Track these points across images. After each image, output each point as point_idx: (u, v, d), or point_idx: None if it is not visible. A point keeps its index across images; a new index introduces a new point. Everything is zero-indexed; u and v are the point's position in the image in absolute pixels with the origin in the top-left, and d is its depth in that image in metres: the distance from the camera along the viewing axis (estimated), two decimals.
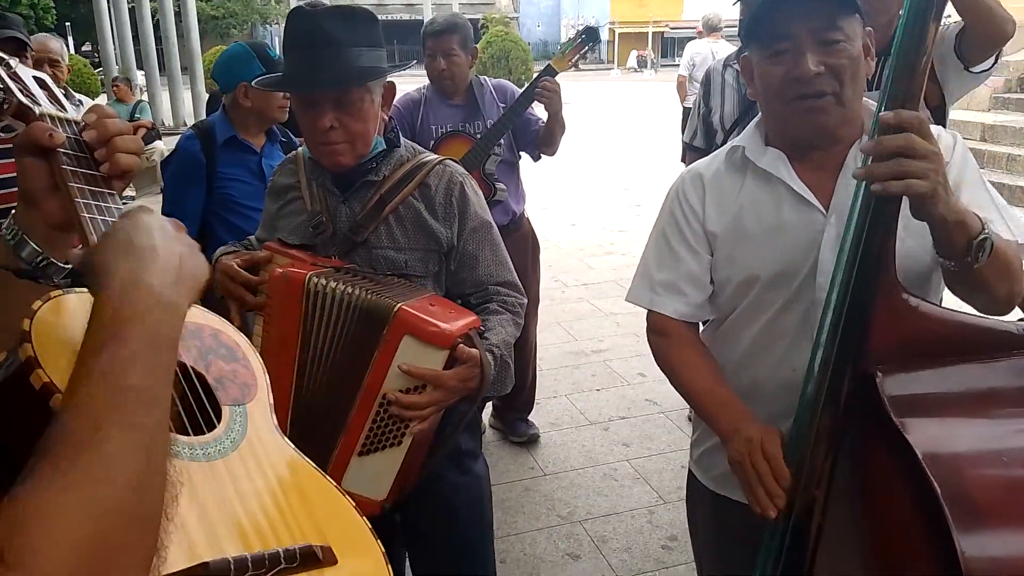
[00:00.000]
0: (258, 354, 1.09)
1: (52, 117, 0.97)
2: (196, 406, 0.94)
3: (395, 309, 1.47)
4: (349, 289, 1.51)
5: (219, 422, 0.95)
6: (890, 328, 1.10)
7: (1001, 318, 1.11)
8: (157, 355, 0.71)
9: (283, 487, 0.95)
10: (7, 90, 0.99)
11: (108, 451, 0.62)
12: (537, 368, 3.81)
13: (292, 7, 1.87)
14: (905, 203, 1.13)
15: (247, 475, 0.92)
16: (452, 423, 1.63)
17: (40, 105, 0.99)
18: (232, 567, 0.80)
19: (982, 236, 1.11)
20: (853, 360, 1.11)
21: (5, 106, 0.97)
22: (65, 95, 1.10)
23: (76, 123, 1.00)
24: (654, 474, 3.33)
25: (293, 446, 1.02)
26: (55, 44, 3.92)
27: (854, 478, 1.12)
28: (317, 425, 1.55)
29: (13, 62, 1.03)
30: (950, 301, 1.28)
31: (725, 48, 7.42)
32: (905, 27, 1.09)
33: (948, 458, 0.97)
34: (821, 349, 1.15)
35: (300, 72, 1.61)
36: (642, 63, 46.56)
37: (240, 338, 1.09)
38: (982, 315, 1.12)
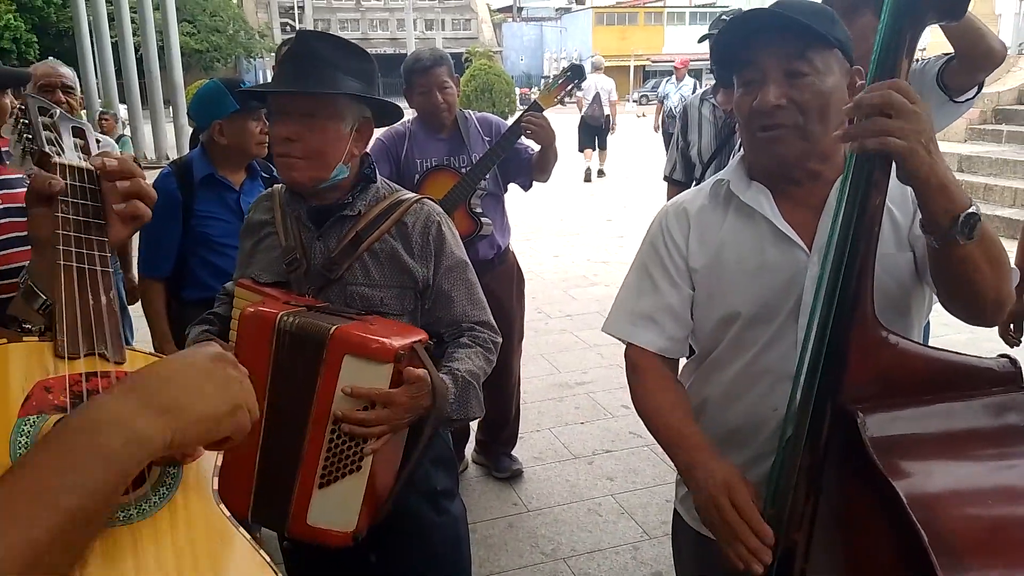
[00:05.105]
0: None
1: (63, 166, 0.99)
2: None
3: (331, 331, 1.45)
4: (299, 322, 1.49)
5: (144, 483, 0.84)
6: (868, 364, 1.08)
7: (980, 356, 1.10)
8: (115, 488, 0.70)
9: (196, 558, 0.82)
10: (33, 139, 1.03)
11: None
12: (521, 401, 3.78)
13: (280, 41, 1.90)
14: (882, 237, 1.13)
15: (156, 543, 0.80)
16: (416, 445, 1.59)
17: (63, 154, 1.02)
18: None
19: (969, 212, 1.08)
20: (832, 398, 1.09)
21: (31, 155, 1.02)
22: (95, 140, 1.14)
23: (88, 172, 1.02)
24: (639, 509, 3.29)
25: (228, 514, 0.90)
26: (66, 70, 3.71)
27: (835, 520, 1.10)
28: (279, 466, 1.52)
29: (57, 112, 1.08)
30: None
31: (604, 80, 12.57)
32: (877, 63, 1.09)
33: (931, 499, 0.95)
34: (800, 388, 1.13)
35: (275, 82, 1.65)
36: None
37: None
38: (961, 353, 1.11)
